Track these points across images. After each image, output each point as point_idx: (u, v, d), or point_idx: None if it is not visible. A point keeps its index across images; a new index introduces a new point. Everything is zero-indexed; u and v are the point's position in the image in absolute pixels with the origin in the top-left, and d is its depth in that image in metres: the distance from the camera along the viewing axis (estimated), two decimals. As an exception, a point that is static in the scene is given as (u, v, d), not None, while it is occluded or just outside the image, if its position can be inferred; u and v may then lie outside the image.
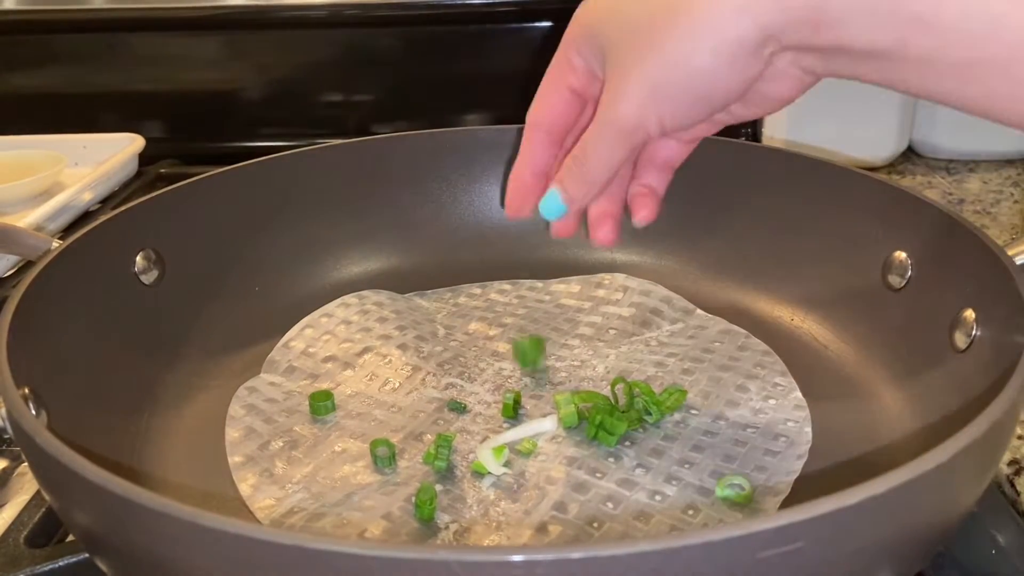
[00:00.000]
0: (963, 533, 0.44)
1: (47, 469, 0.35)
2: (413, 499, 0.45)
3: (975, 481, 0.37)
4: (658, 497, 0.45)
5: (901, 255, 0.54)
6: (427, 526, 0.44)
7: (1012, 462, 0.50)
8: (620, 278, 0.65)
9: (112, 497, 0.31)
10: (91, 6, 0.95)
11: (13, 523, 0.45)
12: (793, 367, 0.55)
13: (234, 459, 0.49)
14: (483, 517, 0.44)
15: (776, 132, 0.89)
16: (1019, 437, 0.52)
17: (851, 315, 0.57)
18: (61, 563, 0.41)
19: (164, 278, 0.57)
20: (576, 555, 0.27)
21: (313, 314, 0.61)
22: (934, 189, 0.87)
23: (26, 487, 0.49)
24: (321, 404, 0.52)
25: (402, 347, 0.58)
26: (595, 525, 0.43)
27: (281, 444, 0.50)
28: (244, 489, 0.47)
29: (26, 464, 0.50)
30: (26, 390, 0.41)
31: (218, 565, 0.31)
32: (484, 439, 0.49)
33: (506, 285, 0.66)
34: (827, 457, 0.48)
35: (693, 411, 0.51)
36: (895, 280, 0.55)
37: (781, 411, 0.51)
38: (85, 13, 0.95)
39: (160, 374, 0.54)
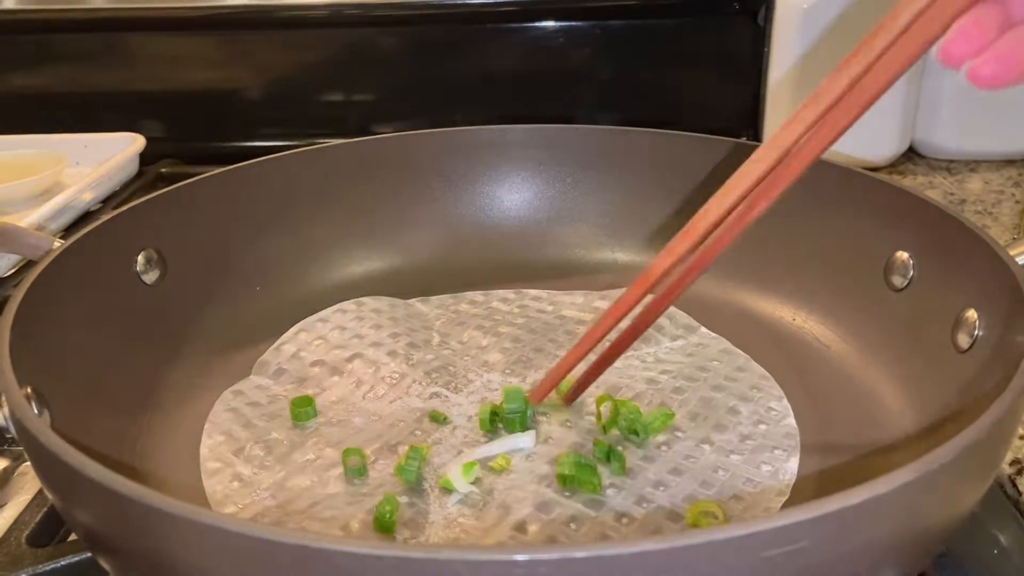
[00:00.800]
0: (965, 533, 0.43)
1: (50, 468, 0.35)
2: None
3: (977, 481, 0.37)
4: (624, 520, 0.44)
5: (903, 255, 0.54)
6: (386, 539, 0.43)
7: (1014, 462, 0.50)
8: (623, 291, 0.64)
9: (114, 496, 0.31)
10: (91, 6, 0.95)
11: (15, 523, 0.45)
12: (795, 368, 0.55)
13: (208, 465, 0.48)
14: (442, 532, 0.43)
15: (777, 132, 0.89)
16: (1021, 437, 0.52)
17: (853, 315, 0.57)
18: (63, 562, 0.41)
19: (165, 278, 0.57)
20: (580, 555, 0.27)
21: (309, 318, 0.61)
22: (935, 189, 0.87)
23: (28, 487, 0.49)
24: (302, 410, 0.51)
25: (392, 354, 0.57)
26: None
27: (257, 450, 0.49)
28: (213, 494, 0.46)
29: (28, 464, 0.50)
30: (28, 389, 0.41)
31: (220, 563, 0.31)
32: (459, 453, 0.48)
33: (510, 294, 0.65)
34: (829, 457, 0.48)
35: (679, 433, 0.49)
36: (897, 280, 0.55)
37: (770, 438, 0.49)
38: (85, 13, 0.95)
39: (162, 373, 0.54)
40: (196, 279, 0.59)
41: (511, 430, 0.49)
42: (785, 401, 0.52)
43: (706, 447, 0.48)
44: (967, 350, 0.48)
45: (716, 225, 0.43)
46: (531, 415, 0.50)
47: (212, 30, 0.95)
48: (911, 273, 0.54)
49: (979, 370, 0.45)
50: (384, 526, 0.43)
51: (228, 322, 0.59)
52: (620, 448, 0.47)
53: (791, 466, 0.47)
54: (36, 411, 0.42)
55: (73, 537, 0.45)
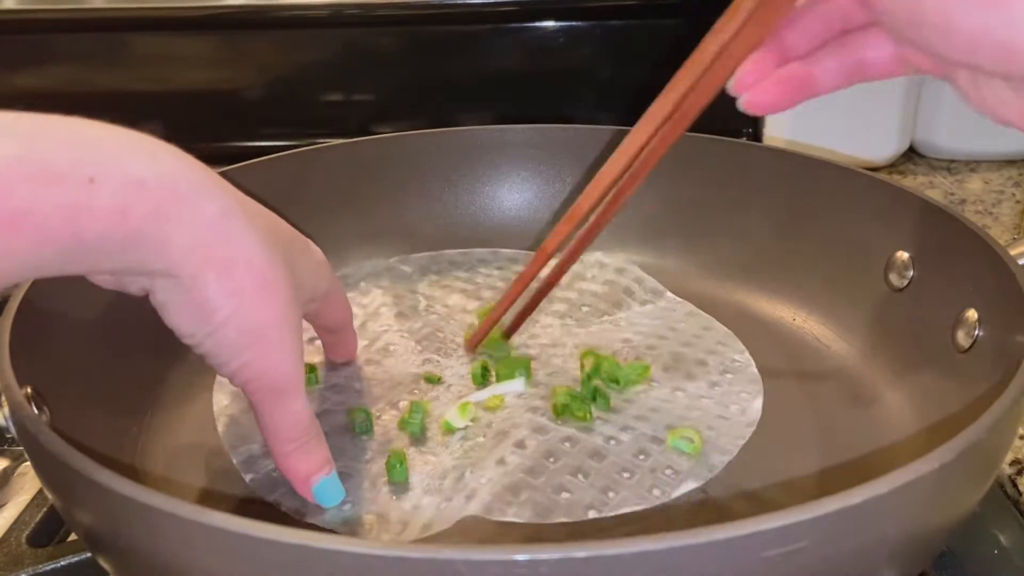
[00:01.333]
0: (965, 533, 0.44)
1: (50, 468, 0.35)
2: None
3: (978, 481, 0.37)
4: (613, 441, 0.48)
5: (903, 255, 0.54)
6: (398, 485, 0.46)
7: (1014, 462, 0.50)
8: (597, 255, 0.65)
9: (115, 496, 0.31)
10: (91, 6, 0.95)
11: (15, 522, 0.45)
12: (795, 367, 0.55)
13: (221, 420, 0.51)
14: (450, 461, 0.47)
15: (777, 132, 0.89)
16: (1021, 437, 0.52)
17: (853, 315, 0.57)
18: (63, 562, 0.41)
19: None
20: (580, 554, 0.28)
21: None
22: (935, 189, 0.87)
23: (27, 487, 0.49)
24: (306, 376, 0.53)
25: (385, 327, 0.59)
26: (551, 460, 0.46)
27: None
28: (227, 443, 0.49)
29: (28, 464, 0.50)
30: (28, 389, 0.41)
31: (220, 563, 0.31)
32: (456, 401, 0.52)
33: (487, 255, 0.67)
34: (829, 457, 0.48)
35: (654, 383, 0.53)
36: (897, 280, 0.55)
37: (736, 384, 0.53)
38: (85, 13, 0.95)
39: (162, 373, 0.54)
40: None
41: (502, 380, 0.53)
42: (747, 354, 0.56)
43: (679, 393, 0.53)
44: (967, 350, 0.48)
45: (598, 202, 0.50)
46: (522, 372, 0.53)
47: (212, 30, 0.95)
48: (911, 273, 0.54)
49: (979, 370, 0.45)
50: (397, 475, 0.46)
51: (228, 322, 0.59)
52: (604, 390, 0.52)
53: (756, 405, 0.52)
54: (35, 411, 0.42)
55: (73, 537, 0.45)
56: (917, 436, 0.48)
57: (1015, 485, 0.49)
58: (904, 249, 0.54)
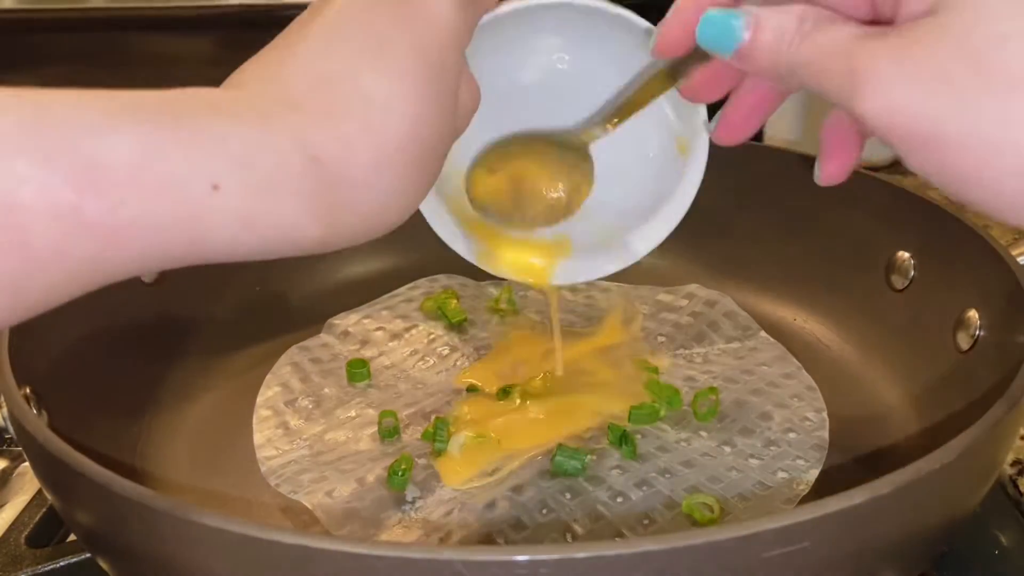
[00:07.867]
0: (966, 533, 0.43)
1: (49, 468, 0.35)
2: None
3: (979, 481, 0.37)
4: (620, 499, 0.44)
5: (904, 255, 0.54)
6: (394, 496, 0.45)
7: (1015, 462, 0.50)
8: (692, 286, 0.62)
9: (114, 496, 0.31)
10: (91, 6, 0.95)
11: (14, 523, 0.45)
12: (795, 367, 0.55)
13: (260, 412, 0.52)
14: (448, 494, 0.45)
15: (777, 132, 0.89)
16: (1022, 437, 0.52)
17: (854, 316, 0.57)
18: (62, 563, 0.41)
19: (165, 278, 0.57)
20: (580, 555, 0.27)
21: (383, 296, 0.63)
22: (936, 189, 0.87)
23: (27, 487, 0.49)
24: (357, 372, 0.54)
25: (448, 327, 0.59)
26: (543, 511, 0.44)
27: (307, 402, 0.53)
28: (258, 439, 0.50)
29: (27, 464, 0.50)
30: (27, 390, 0.41)
31: (220, 564, 0.31)
32: None
33: (580, 284, 0.64)
34: (830, 457, 0.48)
35: (702, 432, 0.49)
36: (898, 280, 0.55)
37: (797, 447, 0.48)
38: (85, 13, 0.95)
39: (161, 374, 0.54)
40: (196, 279, 0.58)
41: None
42: (824, 414, 0.51)
43: (726, 448, 0.48)
44: (968, 350, 0.48)
45: None
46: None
47: (212, 30, 0.95)
48: (912, 273, 0.54)
49: (980, 370, 0.45)
50: (395, 484, 0.45)
51: (228, 322, 0.59)
52: (638, 435, 0.48)
53: (809, 476, 0.46)
54: (35, 411, 0.42)
55: (73, 537, 0.44)
56: (918, 436, 0.48)
57: (1016, 485, 0.49)
58: (905, 249, 0.54)
